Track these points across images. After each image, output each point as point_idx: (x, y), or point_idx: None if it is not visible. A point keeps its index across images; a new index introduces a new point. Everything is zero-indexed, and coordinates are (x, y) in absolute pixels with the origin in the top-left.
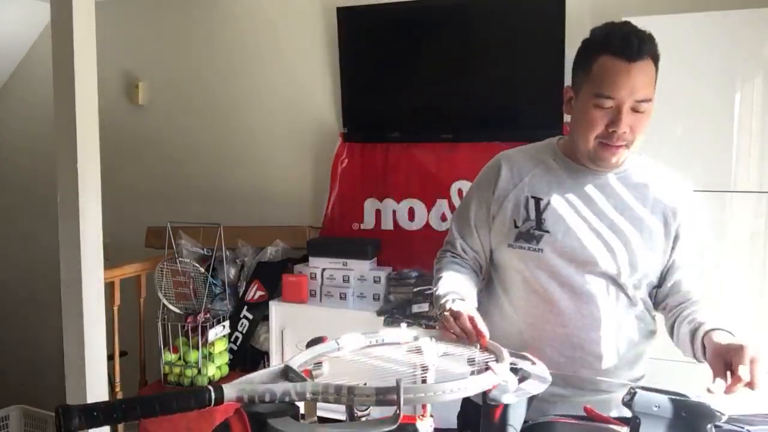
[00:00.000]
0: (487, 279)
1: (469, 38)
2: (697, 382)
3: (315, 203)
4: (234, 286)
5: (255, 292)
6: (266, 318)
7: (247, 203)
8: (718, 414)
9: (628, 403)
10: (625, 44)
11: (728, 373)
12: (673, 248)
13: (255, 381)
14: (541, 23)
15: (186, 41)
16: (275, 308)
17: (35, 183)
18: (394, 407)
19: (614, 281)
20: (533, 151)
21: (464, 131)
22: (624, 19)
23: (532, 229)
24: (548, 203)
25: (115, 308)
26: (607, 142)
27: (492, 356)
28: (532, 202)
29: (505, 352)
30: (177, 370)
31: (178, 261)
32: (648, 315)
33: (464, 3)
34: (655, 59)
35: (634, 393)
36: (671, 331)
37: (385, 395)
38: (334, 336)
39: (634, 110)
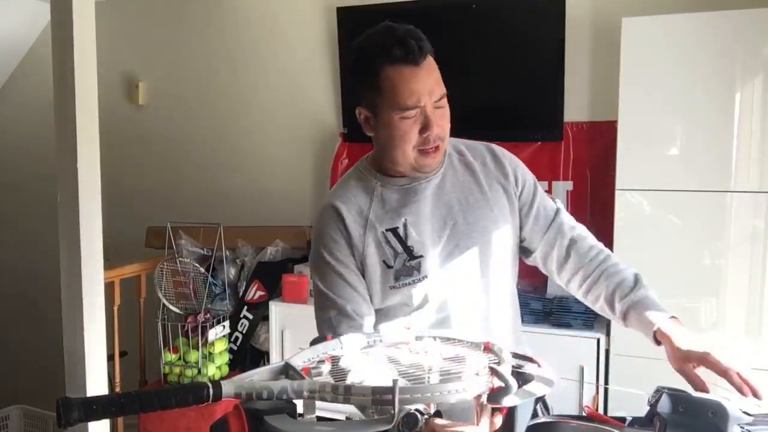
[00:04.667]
0: None
1: (469, 38)
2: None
3: (315, 203)
4: (234, 286)
5: (255, 292)
6: (266, 318)
7: (247, 203)
8: (745, 415)
9: (654, 405)
10: (407, 50)
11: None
12: (521, 207)
13: (254, 378)
14: (541, 23)
15: (186, 41)
16: (275, 308)
17: (35, 183)
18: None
19: (499, 265)
20: (357, 183)
21: (464, 131)
22: (624, 18)
23: (407, 262)
24: (405, 228)
25: (115, 308)
26: (425, 148)
27: (495, 358)
28: (391, 235)
29: (508, 354)
30: (177, 370)
31: (178, 261)
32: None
33: (464, 3)
34: (431, 51)
35: (661, 394)
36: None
37: (382, 395)
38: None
39: (436, 107)
